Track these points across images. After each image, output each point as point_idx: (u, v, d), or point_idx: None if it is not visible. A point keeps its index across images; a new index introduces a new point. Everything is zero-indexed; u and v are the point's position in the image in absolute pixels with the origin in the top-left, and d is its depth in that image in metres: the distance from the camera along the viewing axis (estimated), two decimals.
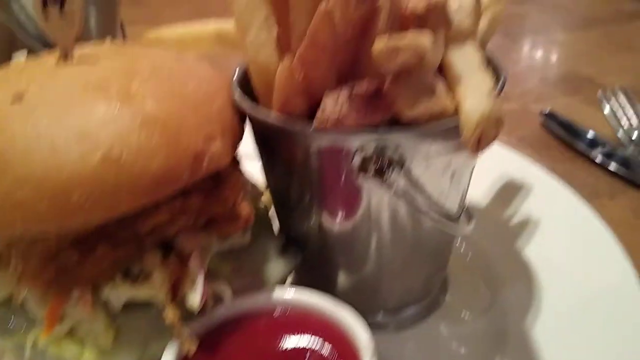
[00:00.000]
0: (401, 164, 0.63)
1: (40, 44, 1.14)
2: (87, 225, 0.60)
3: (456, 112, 0.60)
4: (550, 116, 1.31)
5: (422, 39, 0.53)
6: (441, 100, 0.58)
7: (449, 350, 0.76)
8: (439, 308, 0.81)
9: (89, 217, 0.58)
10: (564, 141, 1.23)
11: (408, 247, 0.74)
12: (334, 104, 0.54)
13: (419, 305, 0.81)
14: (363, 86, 0.55)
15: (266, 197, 0.81)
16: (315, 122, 0.56)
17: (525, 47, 1.82)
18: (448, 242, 0.80)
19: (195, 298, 0.62)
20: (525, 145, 1.23)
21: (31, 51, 0.82)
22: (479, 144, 0.56)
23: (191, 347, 0.60)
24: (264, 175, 0.77)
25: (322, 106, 0.56)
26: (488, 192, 0.95)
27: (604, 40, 1.80)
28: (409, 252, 0.75)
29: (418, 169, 0.64)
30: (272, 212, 0.80)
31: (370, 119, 0.57)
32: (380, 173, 0.62)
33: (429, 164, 0.65)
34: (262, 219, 0.77)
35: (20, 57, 0.76)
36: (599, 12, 2.05)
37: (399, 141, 0.61)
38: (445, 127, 0.61)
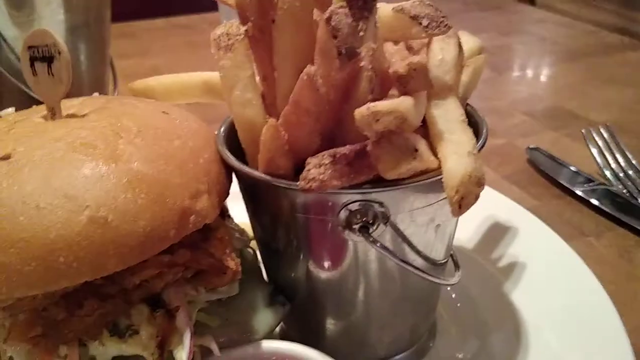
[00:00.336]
0: (386, 219, 0.64)
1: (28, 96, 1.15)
2: (74, 285, 0.60)
3: (439, 167, 0.61)
4: (536, 152, 1.32)
5: (403, 104, 0.54)
6: (423, 160, 0.59)
7: None
8: (427, 355, 0.81)
9: (76, 278, 0.58)
10: (550, 177, 1.24)
11: (395, 297, 0.75)
12: (317, 167, 0.55)
13: (407, 353, 0.81)
14: (346, 150, 0.56)
15: (255, 243, 0.81)
16: (300, 184, 0.57)
17: (511, 81, 1.85)
18: (435, 290, 0.80)
19: (182, 354, 0.62)
20: (511, 181, 1.24)
21: (19, 103, 0.83)
22: (462, 203, 0.57)
23: None
24: (252, 225, 0.77)
25: (306, 168, 0.57)
26: (474, 235, 0.96)
27: (588, 73, 1.83)
28: (397, 302, 0.75)
29: (403, 223, 0.65)
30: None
31: (354, 180, 0.58)
32: (365, 228, 0.63)
33: (413, 218, 0.66)
34: (250, 265, 0.78)
35: (7, 113, 0.77)
36: (583, 45, 2.08)
37: (383, 198, 0.62)
38: (429, 182, 0.62)
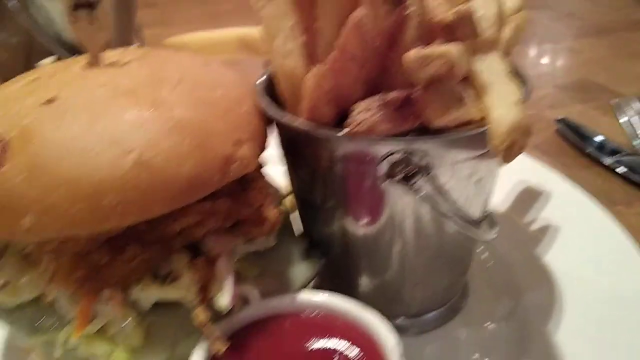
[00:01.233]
0: (428, 170, 0.63)
1: (60, 47, 1.15)
2: (118, 228, 0.60)
3: (483, 120, 0.60)
4: (565, 123, 1.31)
5: (453, 49, 0.54)
6: (469, 109, 0.58)
7: (468, 355, 0.76)
8: (459, 313, 0.81)
9: (120, 220, 0.58)
10: (579, 148, 1.23)
11: (431, 253, 0.75)
12: (365, 112, 0.55)
13: (440, 311, 0.81)
14: (393, 95, 0.56)
15: (288, 201, 0.82)
16: (346, 129, 0.57)
17: (538, 54, 1.83)
18: (470, 249, 0.80)
19: (224, 299, 0.63)
20: (540, 151, 1.23)
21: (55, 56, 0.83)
22: (509, 153, 0.56)
23: (220, 347, 0.61)
24: (289, 180, 0.77)
25: (353, 113, 0.57)
26: (508, 199, 0.95)
27: (615, 48, 1.80)
28: (432, 258, 0.75)
29: (444, 175, 0.65)
30: (293, 215, 0.81)
31: (400, 127, 0.57)
32: (406, 179, 0.63)
33: (455, 171, 0.66)
34: (284, 222, 0.78)
35: (48, 62, 0.77)
36: (611, 20, 2.05)
37: (426, 148, 0.62)
38: (472, 134, 0.62)
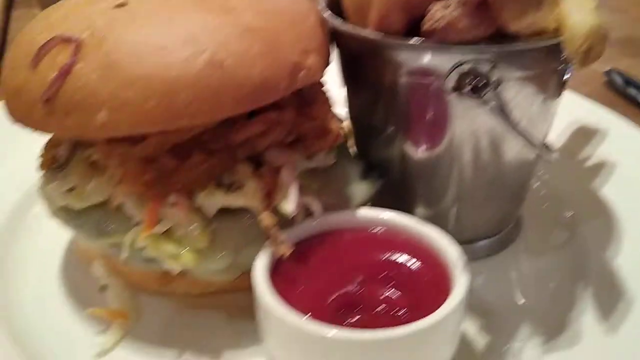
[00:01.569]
0: (497, 83, 0.63)
1: None
2: (190, 126, 0.61)
3: (557, 31, 0.59)
4: (613, 74, 1.29)
5: None
6: (546, 14, 0.57)
7: (522, 283, 0.76)
8: (513, 243, 0.81)
9: (192, 119, 0.59)
10: (628, 97, 1.21)
11: (489, 178, 0.74)
12: (443, 9, 0.55)
13: (492, 239, 0.81)
14: None
15: (344, 127, 0.81)
16: (424, 26, 0.56)
17: None
18: (526, 177, 0.79)
19: (288, 205, 0.63)
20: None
21: None
22: (586, 58, 0.55)
23: (285, 252, 0.61)
24: (347, 102, 0.77)
25: (431, 11, 0.56)
26: (563, 136, 0.94)
27: None
28: (489, 184, 0.75)
29: (512, 90, 0.64)
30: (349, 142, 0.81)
31: (476, 30, 0.57)
32: (475, 91, 0.62)
33: (523, 86, 0.65)
34: (341, 144, 0.78)
35: None
36: None
37: (497, 58, 0.61)
38: (545, 46, 0.61)
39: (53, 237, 0.79)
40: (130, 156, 0.63)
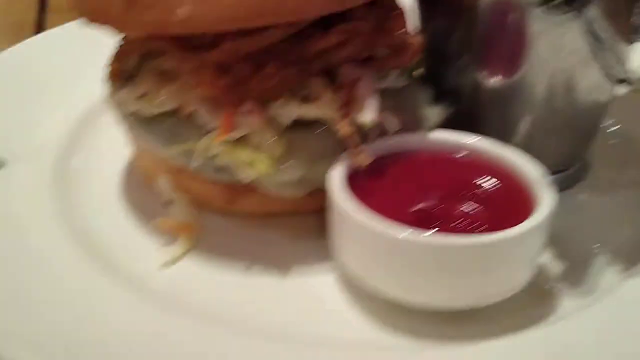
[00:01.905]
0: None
1: None
2: (270, 29, 0.59)
3: None
4: None
5: None
6: None
7: (592, 219, 0.73)
8: (584, 179, 0.79)
9: (275, 17, 0.58)
10: None
11: (561, 112, 0.72)
12: None
13: (562, 175, 0.78)
14: None
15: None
16: None
17: None
18: (601, 110, 0.76)
19: (367, 116, 0.62)
20: None
21: None
22: None
23: (364, 161, 0.60)
24: (420, 28, 0.75)
25: None
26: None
27: None
28: (562, 118, 0.72)
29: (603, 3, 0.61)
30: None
31: None
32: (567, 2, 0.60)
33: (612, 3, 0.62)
34: (410, 70, 0.76)
35: None
36: None
37: None
38: None
39: (116, 152, 0.78)
40: (205, 61, 0.62)
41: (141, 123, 0.66)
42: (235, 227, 0.70)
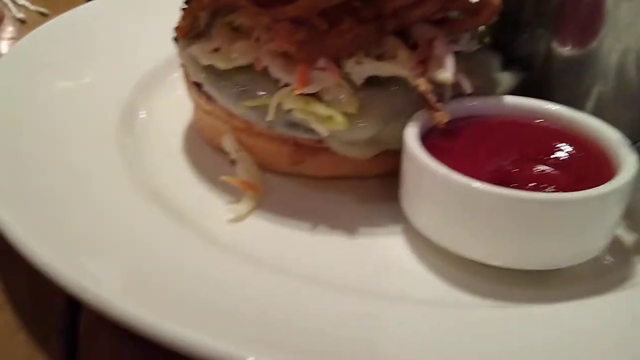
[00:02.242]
0: None
1: None
2: None
3: None
4: None
5: None
6: None
7: None
8: None
9: None
10: None
11: (634, 83, 0.70)
12: None
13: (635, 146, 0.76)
14: None
15: None
16: None
17: None
18: None
19: (445, 74, 0.61)
20: None
21: None
22: None
23: (443, 119, 0.59)
24: None
25: None
26: None
27: None
28: (635, 89, 0.71)
29: None
30: None
31: None
32: None
33: None
34: (480, 35, 0.75)
35: None
36: None
37: None
38: None
39: (178, 113, 0.79)
40: (280, 17, 0.61)
41: (214, 78, 0.66)
42: (299, 189, 0.70)
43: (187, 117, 0.79)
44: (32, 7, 1.13)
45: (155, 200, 0.64)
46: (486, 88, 0.68)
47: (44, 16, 1.10)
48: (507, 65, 0.72)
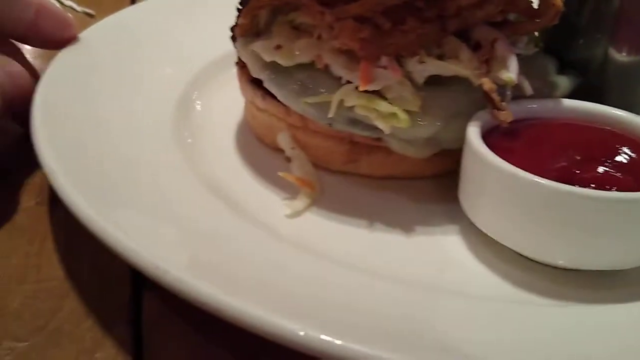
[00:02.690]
0: None
1: None
2: None
3: None
4: None
5: None
6: None
7: None
8: None
9: None
10: None
11: None
12: None
13: None
14: None
15: None
16: None
17: None
18: None
19: (510, 74, 0.61)
20: None
21: None
22: None
23: (507, 118, 0.59)
24: None
25: None
26: None
27: None
28: None
29: None
30: None
31: None
32: None
33: None
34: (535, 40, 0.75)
35: None
36: None
37: None
38: None
39: (231, 111, 0.80)
40: (344, 14, 0.62)
41: (275, 75, 0.66)
42: (353, 187, 0.70)
43: (239, 114, 0.80)
44: (79, 8, 1.14)
45: (214, 192, 0.64)
46: (544, 91, 0.68)
47: (91, 17, 1.11)
48: (562, 70, 0.73)
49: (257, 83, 0.71)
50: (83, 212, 0.52)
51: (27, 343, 0.51)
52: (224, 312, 0.45)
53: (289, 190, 0.68)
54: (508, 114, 0.59)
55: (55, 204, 0.65)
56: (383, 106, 0.61)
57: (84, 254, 0.60)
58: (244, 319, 0.44)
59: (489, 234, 0.59)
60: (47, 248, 0.61)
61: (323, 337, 0.42)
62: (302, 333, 0.43)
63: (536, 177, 0.53)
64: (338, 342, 0.42)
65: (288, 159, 0.71)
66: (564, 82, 0.70)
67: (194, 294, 0.46)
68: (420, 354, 0.44)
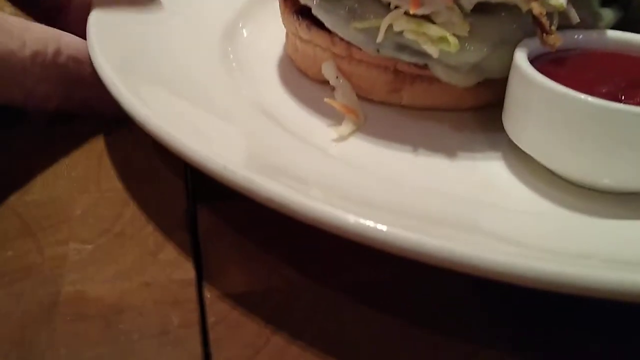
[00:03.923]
0: None
1: None
2: None
3: None
4: None
5: None
6: None
7: None
8: None
9: None
10: None
11: None
12: None
13: None
14: None
15: None
16: None
17: None
18: None
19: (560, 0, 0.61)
20: None
21: None
22: None
23: (556, 42, 0.60)
24: None
25: None
26: None
27: None
28: None
29: None
30: None
31: None
32: None
33: None
34: None
35: None
36: None
37: None
38: None
39: (273, 45, 0.82)
40: None
41: (323, 1, 0.67)
42: (396, 117, 0.71)
43: (281, 45, 0.82)
44: None
45: (264, 113, 0.67)
46: (589, 21, 0.68)
47: None
48: (605, 3, 0.73)
49: (301, 14, 0.72)
50: (153, 124, 0.54)
51: (92, 245, 0.54)
52: (290, 207, 0.47)
53: (333, 117, 0.69)
54: (557, 37, 0.60)
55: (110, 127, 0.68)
56: (433, 30, 0.62)
57: (139, 170, 0.63)
58: (313, 215, 0.46)
59: (534, 157, 0.60)
60: (105, 164, 0.64)
61: (403, 232, 0.44)
62: (384, 228, 0.44)
63: (585, 95, 0.55)
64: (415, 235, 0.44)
65: (332, 88, 0.72)
66: (608, 14, 0.70)
67: (264, 191, 0.48)
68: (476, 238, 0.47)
